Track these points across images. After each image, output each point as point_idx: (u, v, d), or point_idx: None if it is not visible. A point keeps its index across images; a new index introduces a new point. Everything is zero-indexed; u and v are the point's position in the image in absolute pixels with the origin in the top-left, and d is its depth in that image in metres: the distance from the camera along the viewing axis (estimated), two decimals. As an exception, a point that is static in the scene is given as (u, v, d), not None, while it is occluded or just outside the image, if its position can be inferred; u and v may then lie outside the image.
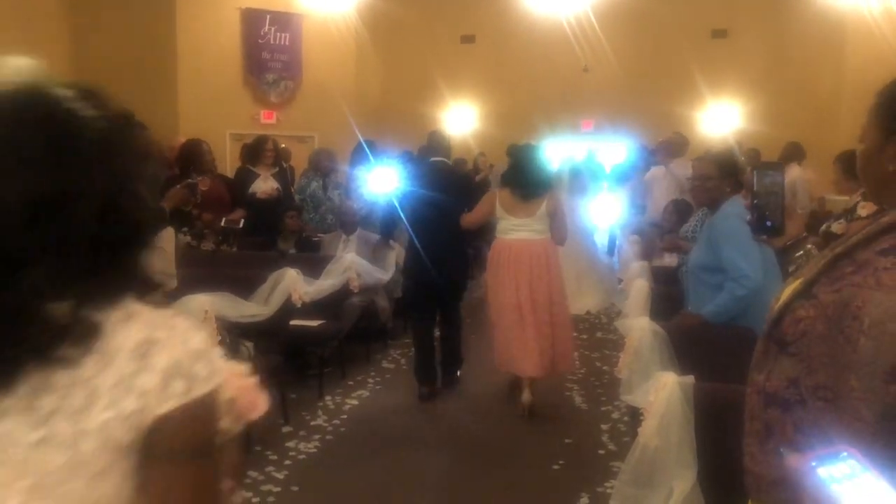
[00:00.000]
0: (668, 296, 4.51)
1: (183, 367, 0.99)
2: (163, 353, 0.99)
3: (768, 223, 1.76)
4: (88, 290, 0.97)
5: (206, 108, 11.10)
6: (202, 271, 5.25)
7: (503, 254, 5.24)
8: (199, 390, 0.99)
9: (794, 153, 8.56)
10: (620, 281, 6.09)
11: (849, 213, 4.45)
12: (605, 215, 9.16)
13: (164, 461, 0.98)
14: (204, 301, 3.77)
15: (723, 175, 3.76)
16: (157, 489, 0.98)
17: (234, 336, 4.47)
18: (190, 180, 4.75)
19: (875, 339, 1.30)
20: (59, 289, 0.94)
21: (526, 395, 5.18)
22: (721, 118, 12.44)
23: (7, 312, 0.92)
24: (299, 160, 10.39)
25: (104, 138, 1.01)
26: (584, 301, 8.05)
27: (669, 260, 5.65)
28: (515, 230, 5.22)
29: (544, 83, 13.23)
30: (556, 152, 9.41)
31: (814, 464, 0.97)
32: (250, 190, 7.02)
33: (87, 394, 0.94)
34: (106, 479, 0.96)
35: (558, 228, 5.26)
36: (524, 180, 5.22)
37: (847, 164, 4.54)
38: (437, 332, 5.78)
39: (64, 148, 0.96)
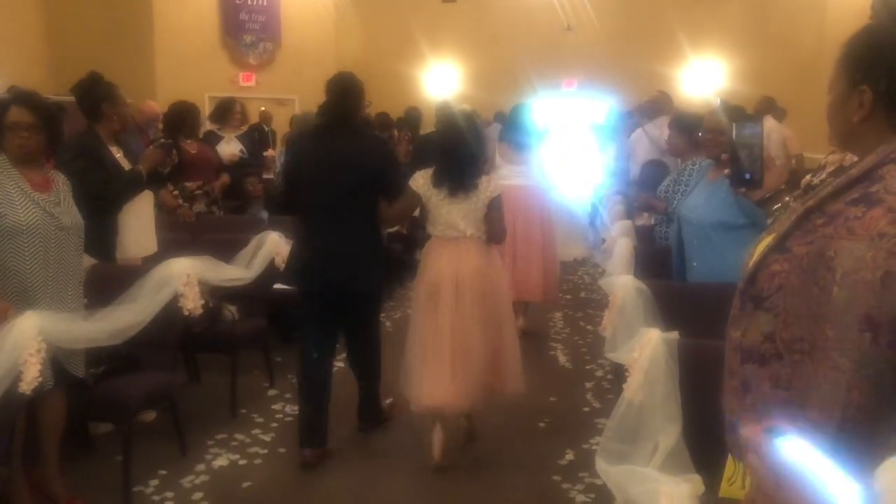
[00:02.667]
0: (649, 254, 4.53)
1: None
2: None
3: (747, 175, 1.77)
4: None
5: (184, 71, 10.95)
6: (183, 235, 5.23)
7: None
8: None
9: (767, 107, 8.60)
10: (604, 240, 6.11)
11: (842, 169, 4.44)
12: (586, 180, 9.19)
13: None
14: (185, 265, 3.73)
15: None
16: None
17: (217, 300, 4.46)
18: (163, 140, 4.68)
19: (848, 288, 1.31)
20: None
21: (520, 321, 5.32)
22: (704, 77, 12.42)
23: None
24: (280, 123, 10.29)
25: None
26: (570, 249, 8.47)
27: (643, 220, 5.65)
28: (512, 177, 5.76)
29: (526, 43, 13.12)
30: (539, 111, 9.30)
31: (767, 434, 0.97)
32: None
33: None
34: None
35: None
36: (519, 136, 6.01)
37: None
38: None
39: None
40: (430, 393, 3.77)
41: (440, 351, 3.78)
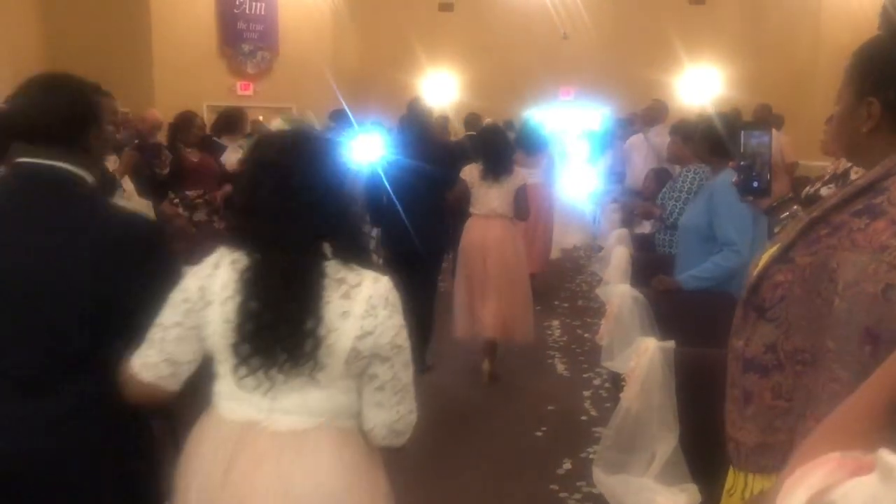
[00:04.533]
0: (647, 262, 4.53)
1: None
2: None
3: (755, 184, 1.77)
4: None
5: (182, 80, 10.97)
6: (184, 245, 5.22)
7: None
8: None
9: (764, 115, 8.66)
10: (601, 248, 6.12)
11: (841, 178, 4.44)
12: (582, 186, 9.41)
13: None
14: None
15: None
16: None
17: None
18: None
19: (849, 300, 1.31)
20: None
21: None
22: (699, 85, 12.46)
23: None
24: (278, 132, 10.29)
25: None
26: (569, 237, 9.15)
27: (645, 227, 5.68)
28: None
29: (523, 51, 13.16)
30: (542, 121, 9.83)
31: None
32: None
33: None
34: None
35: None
36: (529, 143, 7.31)
37: None
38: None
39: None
40: (465, 323, 5.25)
41: (472, 293, 5.24)
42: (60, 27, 10.74)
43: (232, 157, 6.94)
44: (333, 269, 1.64)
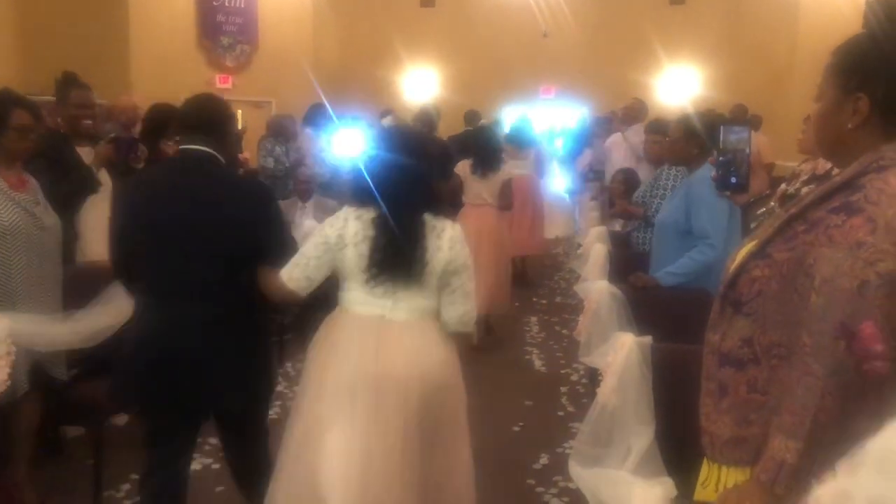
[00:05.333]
0: (624, 260, 4.56)
1: None
2: None
3: (733, 179, 1.79)
4: None
5: (160, 73, 10.84)
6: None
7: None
8: None
9: (740, 115, 8.76)
10: (580, 245, 6.16)
11: (822, 179, 4.48)
12: (560, 183, 9.52)
13: None
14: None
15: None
16: None
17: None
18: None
19: (825, 295, 1.33)
20: None
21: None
22: (678, 85, 12.54)
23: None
24: (258, 126, 10.23)
25: None
26: (553, 228, 9.38)
27: (620, 226, 5.70)
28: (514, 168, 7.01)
29: (504, 49, 13.17)
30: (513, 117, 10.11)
31: None
32: None
33: None
34: None
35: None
36: (518, 139, 8.08)
37: None
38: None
39: None
40: None
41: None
42: (37, 18, 10.60)
43: None
44: (429, 219, 2.53)
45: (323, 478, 2.39)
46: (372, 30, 13.40)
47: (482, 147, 6.14)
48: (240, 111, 10.67)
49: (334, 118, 7.16)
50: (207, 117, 2.77)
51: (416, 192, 2.54)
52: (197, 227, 2.59)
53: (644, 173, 5.84)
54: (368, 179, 2.55)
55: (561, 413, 4.76)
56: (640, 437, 2.29)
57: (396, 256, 2.46)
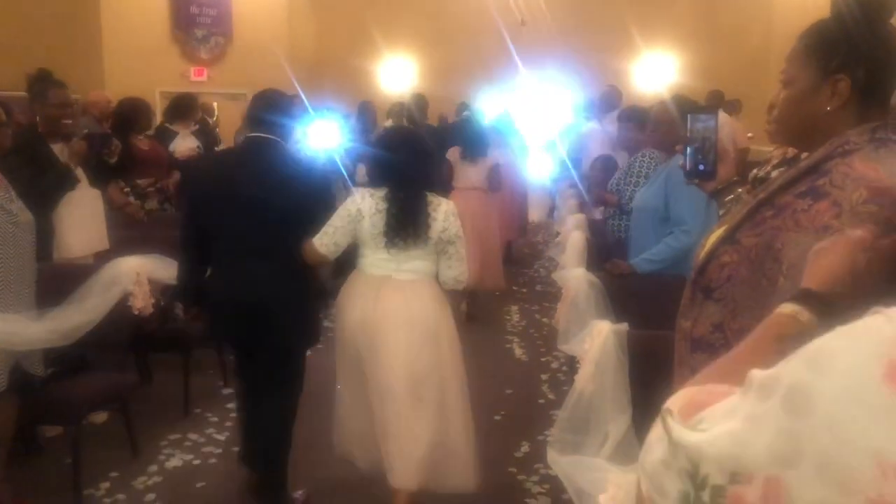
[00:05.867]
0: (602, 247, 4.58)
1: None
2: None
3: (700, 167, 1.79)
4: None
5: (133, 66, 10.75)
6: (134, 233, 5.14)
7: None
8: None
9: (717, 101, 8.83)
10: (558, 234, 6.18)
11: (792, 162, 4.52)
12: (539, 171, 9.56)
13: None
14: (135, 263, 3.68)
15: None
16: None
17: (168, 298, 4.40)
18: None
19: (793, 279, 1.34)
20: None
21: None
22: (655, 71, 12.59)
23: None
24: (233, 118, 10.16)
25: None
26: (532, 212, 9.71)
27: (600, 213, 5.73)
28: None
29: (482, 38, 13.13)
30: (492, 107, 10.11)
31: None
32: (169, 149, 6.79)
33: None
34: None
35: None
36: (500, 130, 7.98)
37: None
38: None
39: None
40: None
41: None
42: (7, 13, 10.45)
43: (181, 144, 6.81)
44: (428, 197, 3.12)
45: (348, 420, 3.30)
46: (348, 19, 13.32)
47: (470, 134, 6.70)
48: (215, 104, 10.64)
49: (309, 110, 7.10)
50: (272, 110, 3.28)
51: (418, 175, 3.15)
52: (263, 202, 3.13)
53: (620, 162, 5.86)
54: (382, 166, 3.20)
55: (542, 401, 4.78)
56: (617, 423, 2.31)
57: (404, 224, 3.05)
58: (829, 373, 0.64)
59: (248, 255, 3.19)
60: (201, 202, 3.30)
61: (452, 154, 6.62)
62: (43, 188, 3.99)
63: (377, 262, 3.11)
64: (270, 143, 3.23)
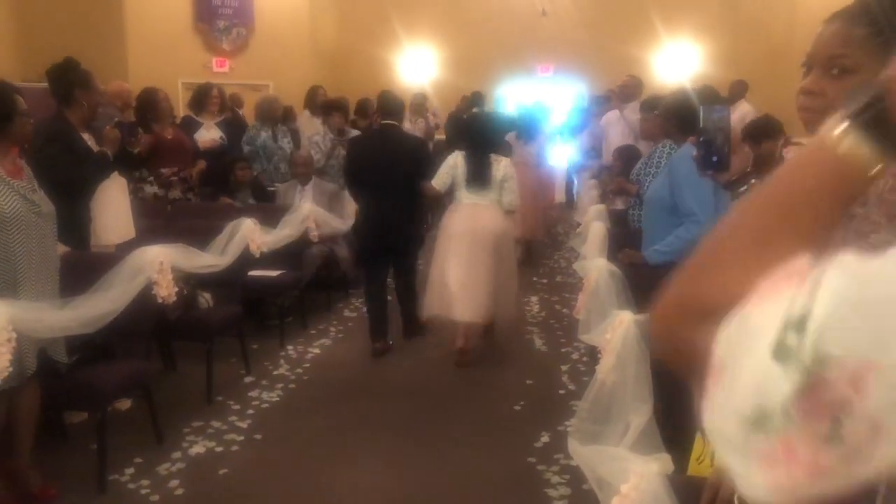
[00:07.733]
0: (622, 238, 4.56)
1: None
2: None
3: (714, 158, 1.78)
4: None
5: (156, 58, 10.81)
6: (158, 222, 5.19)
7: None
8: None
9: (740, 91, 8.76)
10: (579, 224, 6.16)
11: None
12: (561, 160, 9.59)
13: None
14: (159, 252, 3.71)
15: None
16: None
17: (191, 287, 4.45)
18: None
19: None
20: None
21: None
22: (677, 61, 12.48)
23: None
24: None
25: None
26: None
27: (622, 203, 5.71)
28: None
29: (502, 27, 13.09)
30: (513, 97, 10.14)
31: None
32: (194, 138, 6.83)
33: None
34: None
35: None
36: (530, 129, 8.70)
37: None
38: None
39: None
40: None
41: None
42: (32, 5, 10.54)
43: (205, 135, 6.87)
44: (492, 156, 5.26)
45: (448, 282, 5.10)
46: (369, 10, 13.31)
47: (527, 121, 8.46)
48: (243, 96, 10.64)
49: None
50: (395, 105, 5.52)
51: (487, 143, 5.26)
52: (393, 163, 5.22)
53: (642, 151, 5.83)
54: (463, 138, 5.50)
55: (562, 391, 4.77)
56: (638, 413, 2.30)
57: (479, 173, 5.17)
58: None
59: (385, 196, 5.14)
60: (358, 166, 5.42)
61: (511, 137, 7.92)
62: (84, 175, 4.08)
63: (466, 195, 5.18)
64: (395, 128, 5.40)
